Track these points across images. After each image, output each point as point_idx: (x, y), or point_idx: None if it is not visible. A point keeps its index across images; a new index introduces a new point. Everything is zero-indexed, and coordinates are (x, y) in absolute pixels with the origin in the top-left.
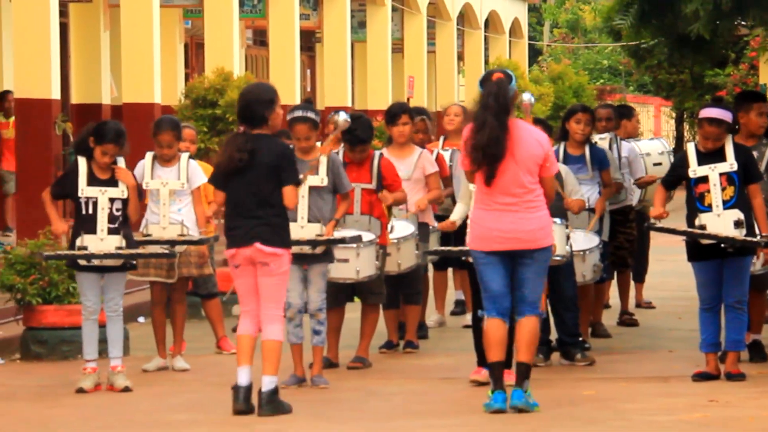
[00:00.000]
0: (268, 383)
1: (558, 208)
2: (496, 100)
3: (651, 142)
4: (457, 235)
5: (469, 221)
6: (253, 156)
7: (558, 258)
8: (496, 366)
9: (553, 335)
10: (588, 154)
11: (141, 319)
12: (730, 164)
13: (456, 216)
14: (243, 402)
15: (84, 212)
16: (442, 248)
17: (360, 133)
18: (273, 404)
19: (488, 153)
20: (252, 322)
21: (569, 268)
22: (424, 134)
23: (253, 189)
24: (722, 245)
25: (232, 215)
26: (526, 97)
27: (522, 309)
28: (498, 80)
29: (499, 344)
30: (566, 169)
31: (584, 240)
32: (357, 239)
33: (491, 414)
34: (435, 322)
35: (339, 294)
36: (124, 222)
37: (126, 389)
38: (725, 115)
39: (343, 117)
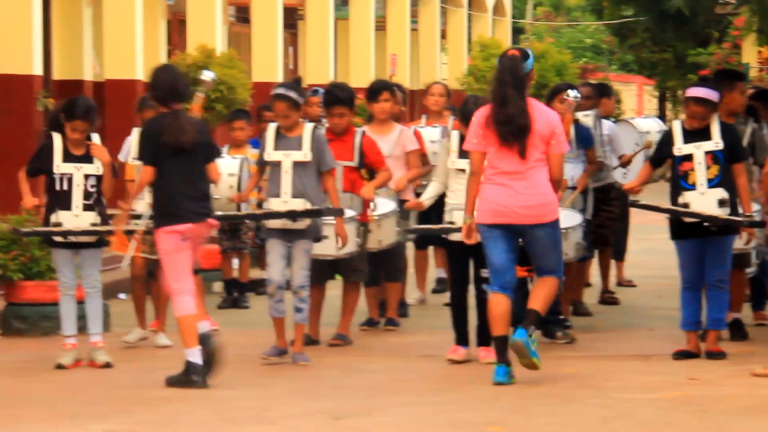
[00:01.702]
0: (198, 354)
1: None
2: (512, 75)
3: (645, 120)
4: (438, 212)
5: (446, 198)
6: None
7: None
8: (499, 340)
9: None
10: (573, 133)
11: (122, 296)
12: (715, 143)
13: (426, 195)
14: (204, 380)
15: (58, 188)
16: (421, 226)
17: (338, 92)
18: (203, 374)
19: (518, 125)
20: (193, 300)
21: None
22: (396, 105)
23: (196, 165)
24: (705, 224)
25: (175, 192)
26: (572, 93)
27: (541, 274)
28: (512, 56)
29: (502, 319)
30: None
31: (567, 218)
32: (337, 212)
33: (474, 391)
34: (416, 300)
35: (320, 271)
36: (99, 198)
37: (107, 365)
38: (712, 95)
39: (210, 76)
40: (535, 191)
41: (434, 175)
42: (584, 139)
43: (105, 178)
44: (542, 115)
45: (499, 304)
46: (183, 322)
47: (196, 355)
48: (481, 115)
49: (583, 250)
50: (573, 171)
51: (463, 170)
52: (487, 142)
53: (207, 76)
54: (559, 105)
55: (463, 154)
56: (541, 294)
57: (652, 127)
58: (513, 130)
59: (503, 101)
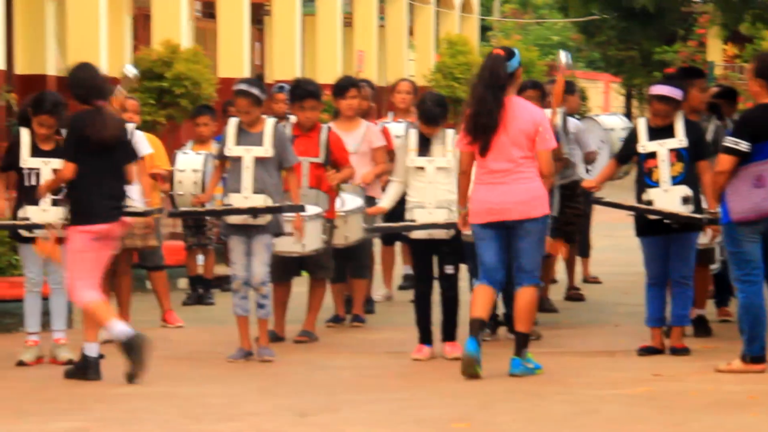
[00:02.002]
0: (96, 349)
1: None
2: (490, 74)
3: (610, 117)
4: (402, 210)
5: (407, 197)
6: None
7: None
8: (476, 321)
9: (501, 310)
10: None
11: None
12: (679, 140)
13: (387, 198)
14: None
15: (27, 183)
16: (383, 224)
17: (309, 86)
18: (96, 369)
19: (480, 123)
20: (97, 294)
21: None
22: (364, 100)
23: (116, 164)
24: (665, 221)
25: (93, 191)
26: (563, 57)
27: (520, 279)
28: (495, 55)
29: (483, 306)
30: None
31: None
32: (297, 209)
33: (440, 388)
34: (382, 297)
35: (286, 268)
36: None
37: (69, 362)
38: (675, 93)
39: (132, 71)
40: (521, 186)
41: (394, 175)
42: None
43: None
44: (525, 113)
45: (485, 294)
46: (86, 314)
47: (93, 350)
48: (465, 114)
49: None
50: None
51: (422, 168)
52: (465, 141)
53: (129, 71)
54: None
55: (422, 152)
56: (523, 311)
57: (616, 124)
58: (478, 129)
59: (473, 100)
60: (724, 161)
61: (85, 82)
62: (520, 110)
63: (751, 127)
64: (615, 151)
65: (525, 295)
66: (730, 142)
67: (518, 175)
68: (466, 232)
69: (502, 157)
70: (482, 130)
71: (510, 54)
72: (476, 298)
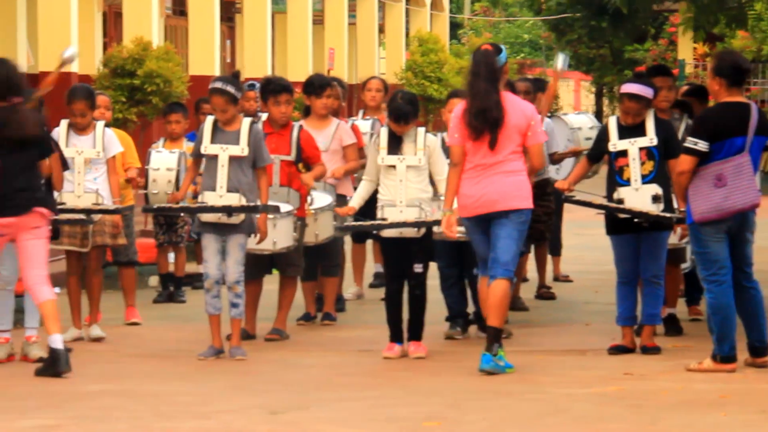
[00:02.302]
0: (60, 341)
1: None
2: (486, 68)
3: (578, 116)
4: (373, 207)
5: (378, 195)
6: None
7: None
8: (491, 330)
9: (471, 309)
10: None
11: (56, 290)
12: (650, 139)
13: (357, 197)
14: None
15: None
16: (354, 223)
17: (282, 81)
18: (66, 359)
19: (491, 117)
20: (48, 288)
21: None
22: (336, 99)
23: (30, 159)
24: (635, 220)
25: (6, 186)
26: (561, 62)
27: (494, 271)
28: (486, 50)
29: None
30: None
31: None
32: (272, 209)
33: (411, 386)
34: (353, 295)
35: (257, 266)
36: (48, 191)
37: (41, 360)
38: (646, 91)
39: (70, 52)
40: (507, 178)
41: (365, 173)
42: None
43: (54, 170)
44: (517, 108)
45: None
46: (48, 307)
47: (57, 341)
48: (458, 109)
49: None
50: None
51: (393, 166)
52: (462, 136)
53: (69, 51)
54: None
55: (392, 150)
56: (495, 305)
57: (584, 122)
58: (486, 123)
59: (477, 94)
60: (684, 162)
61: (1, 79)
62: (513, 105)
63: (709, 127)
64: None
65: (498, 288)
66: (689, 142)
67: (506, 168)
68: (451, 235)
69: (495, 150)
70: (492, 123)
71: (498, 49)
72: (483, 296)
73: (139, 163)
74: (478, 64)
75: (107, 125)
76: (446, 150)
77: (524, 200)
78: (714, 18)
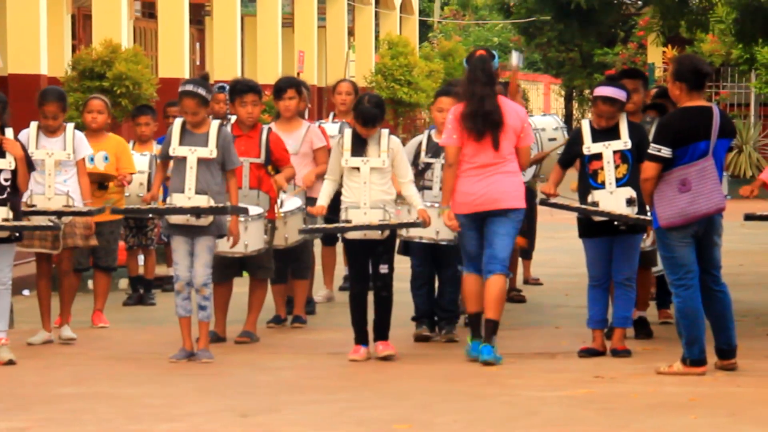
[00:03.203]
0: None
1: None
2: (484, 73)
3: (544, 117)
4: (337, 210)
5: (341, 197)
6: None
7: (444, 242)
8: (474, 316)
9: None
10: None
11: (26, 292)
12: (624, 142)
13: (323, 196)
14: None
15: None
16: (318, 226)
17: (248, 82)
18: None
19: (492, 120)
20: None
21: (455, 247)
22: (302, 102)
23: None
24: (615, 222)
25: None
26: (515, 58)
27: (491, 267)
28: (482, 56)
29: (476, 296)
30: None
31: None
32: (241, 210)
33: (381, 389)
34: (323, 297)
35: (227, 268)
36: (13, 193)
37: (10, 362)
38: (619, 94)
39: (516, 59)
40: (508, 178)
41: (327, 173)
42: None
43: (20, 172)
44: (512, 110)
45: (474, 283)
46: None
47: None
48: (455, 111)
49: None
50: None
51: (357, 168)
52: (461, 137)
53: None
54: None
55: (357, 152)
56: (493, 300)
57: (548, 123)
58: (488, 125)
59: (479, 98)
60: (648, 168)
61: None
62: (508, 107)
63: (671, 133)
64: (543, 150)
65: (495, 284)
66: (652, 149)
67: (506, 168)
68: (454, 229)
69: (498, 151)
70: (494, 126)
71: (491, 54)
72: (468, 291)
73: (134, 169)
74: (475, 69)
75: (76, 128)
76: (436, 146)
77: (522, 200)
78: (676, 22)
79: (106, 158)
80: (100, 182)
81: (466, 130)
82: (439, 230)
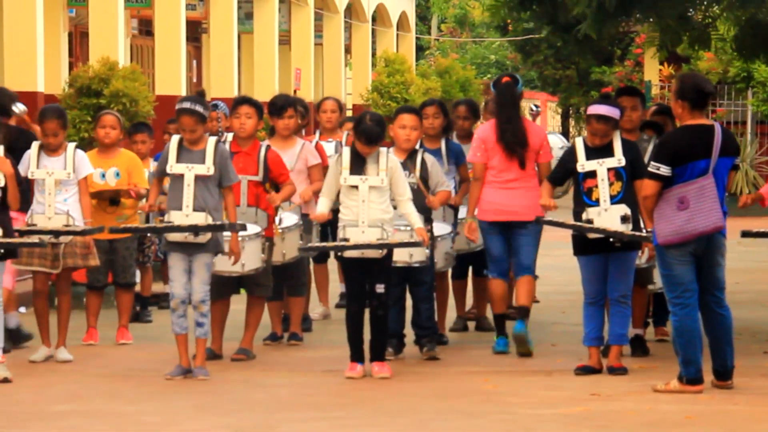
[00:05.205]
0: None
1: (421, 206)
2: (512, 98)
3: (549, 136)
4: (334, 229)
5: (339, 215)
6: None
7: (417, 264)
8: (499, 317)
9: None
10: (444, 149)
11: (22, 309)
12: (618, 159)
13: (324, 208)
14: None
15: None
16: (317, 245)
17: (245, 96)
18: None
19: (522, 140)
20: None
21: (429, 266)
22: (299, 120)
23: None
24: (610, 240)
25: None
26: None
27: (519, 272)
28: (508, 82)
29: (502, 299)
30: (432, 160)
31: (437, 227)
32: (239, 227)
33: (377, 406)
34: (319, 315)
35: (224, 286)
36: (3, 210)
37: (5, 380)
38: (613, 112)
39: (20, 107)
40: (530, 193)
41: (323, 191)
42: (456, 155)
43: (9, 189)
44: (534, 130)
45: (499, 287)
46: None
47: None
48: (485, 131)
49: (452, 260)
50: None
51: (356, 187)
52: (491, 155)
53: (18, 108)
54: (461, 121)
55: (355, 170)
56: (525, 292)
57: (554, 142)
58: (518, 144)
59: (508, 120)
60: (648, 186)
61: None
62: (531, 128)
63: (671, 151)
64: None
65: (524, 281)
66: (652, 167)
67: (529, 183)
68: (473, 240)
69: (525, 168)
70: (522, 145)
71: (515, 80)
72: (494, 294)
73: (147, 184)
74: (503, 94)
75: (77, 147)
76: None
77: (540, 211)
78: (677, 38)
79: (118, 174)
80: (111, 198)
81: (497, 148)
82: (413, 253)
